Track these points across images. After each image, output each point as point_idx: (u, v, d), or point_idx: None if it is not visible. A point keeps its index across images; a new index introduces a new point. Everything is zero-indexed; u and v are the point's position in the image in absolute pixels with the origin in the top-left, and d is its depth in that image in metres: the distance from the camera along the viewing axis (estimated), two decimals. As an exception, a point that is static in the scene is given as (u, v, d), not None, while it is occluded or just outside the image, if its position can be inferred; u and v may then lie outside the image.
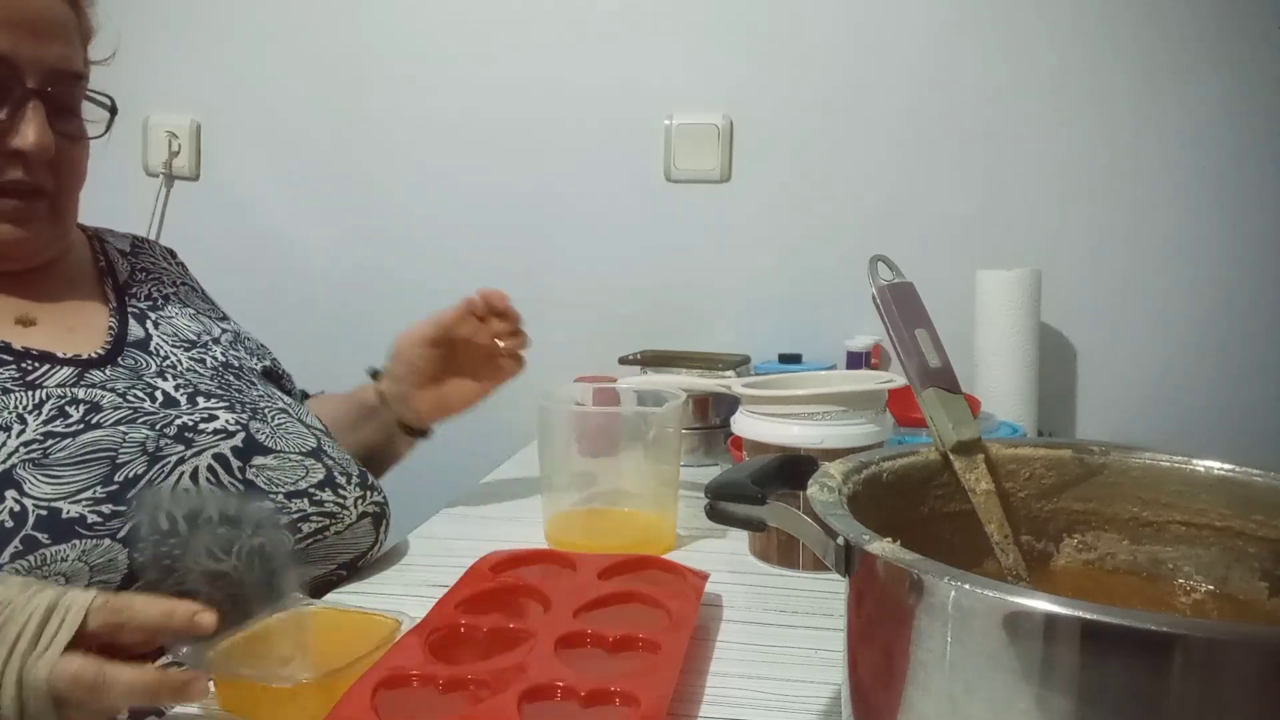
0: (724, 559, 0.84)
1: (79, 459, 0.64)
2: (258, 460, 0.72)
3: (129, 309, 0.82)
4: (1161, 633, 0.32)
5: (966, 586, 0.36)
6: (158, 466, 0.66)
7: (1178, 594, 0.53)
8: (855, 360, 1.37)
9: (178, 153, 1.59)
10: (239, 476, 0.70)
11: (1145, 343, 1.41)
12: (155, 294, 0.86)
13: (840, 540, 0.42)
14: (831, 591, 0.76)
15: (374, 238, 1.57)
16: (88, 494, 0.62)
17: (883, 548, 0.39)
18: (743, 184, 1.48)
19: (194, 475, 0.68)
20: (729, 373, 1.22)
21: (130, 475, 0.65)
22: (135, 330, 0.79)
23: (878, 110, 1.43)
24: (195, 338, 0.83)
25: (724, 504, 0.48)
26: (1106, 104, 1.38)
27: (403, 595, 0.74)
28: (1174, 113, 1.37)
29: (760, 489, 0.48)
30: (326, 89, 1.56)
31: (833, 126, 1.44)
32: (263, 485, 0.71)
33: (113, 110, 0.78)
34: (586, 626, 0.61)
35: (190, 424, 0.71)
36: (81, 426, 0.66)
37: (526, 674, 0.54)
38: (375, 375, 1.00)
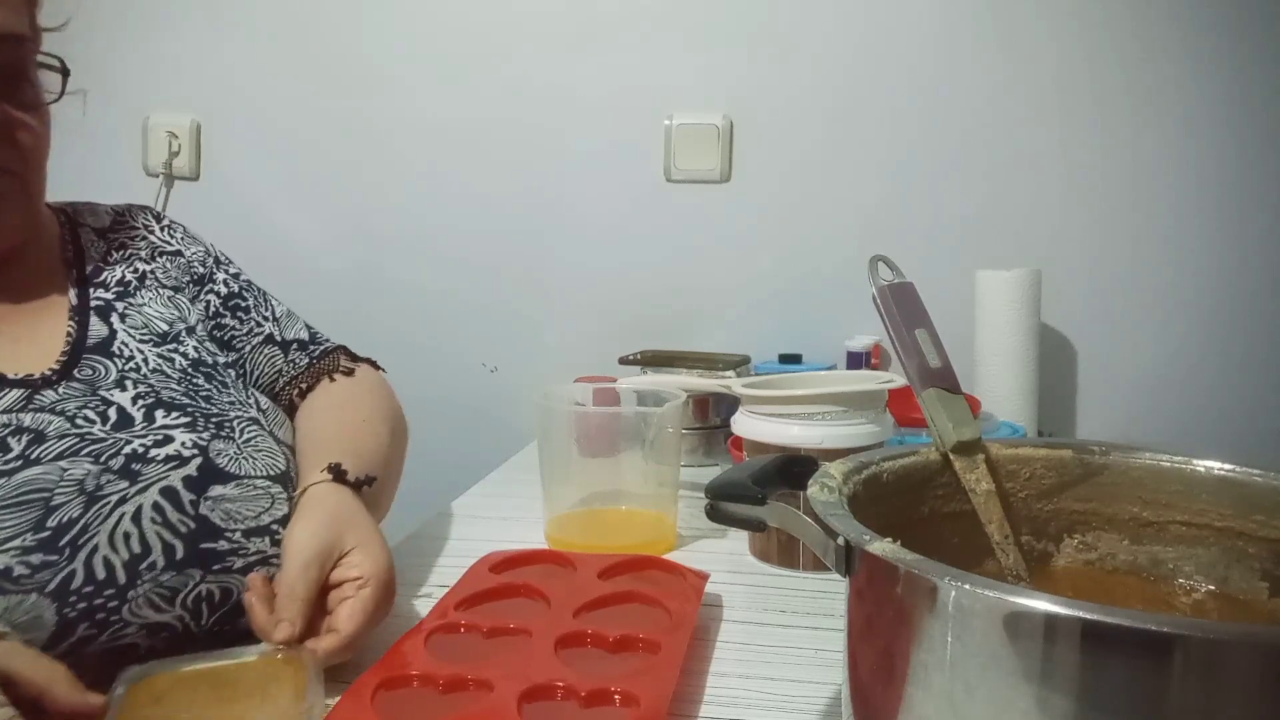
0: (724, 559, 0.84)
1: (12, 501, 0.58)
2: (215, 490, 0.65)
3: (92, 303, 0.74)
4: (1161, 633, 0.32)
5: (966, 586, 0.36)
6: (95, 508, 0.60)
7: (1178, 594, 0.53)
8: (855, 360, 1.37)
9: (178, 153, 1.58)
10: (190, 512, 0.63)
11: (1145, 343, 1.41)
12: (129, 275, 0.78)
13: (840, 540, 0.42)
14: (831, 591, 0.76)
15: (374, 238, 1.57)
16: (17, 542, 0.56)
17: (883, 548, 0.39)
18: (743, 184, 1.48)
19: (137, 515, 0.60)
20: (729, 373, 1.22)
21: (65, 519, 0.58)
22: (97, 329, 0.72)
23: (878, 110, 1.43)
24: (167, 327, 0.76)
25: (724, 504, 0.48)
26: (1106, 104, 1.38)
27: (402, 595, 0.74)
28: (1174, 112, 1.37)
29: (760, 489, 0.48)
30: (326, 89, 1.56)
31: (833, 126, 1.44)
32: (218, 521, 0.64)
33: (64, 72, 0.70)
34: (586, 626, 0.61)
35: (139, 451, 0.64)
36: (20, 463, 0.60)
37: (526, 674, 0.54)
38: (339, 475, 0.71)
